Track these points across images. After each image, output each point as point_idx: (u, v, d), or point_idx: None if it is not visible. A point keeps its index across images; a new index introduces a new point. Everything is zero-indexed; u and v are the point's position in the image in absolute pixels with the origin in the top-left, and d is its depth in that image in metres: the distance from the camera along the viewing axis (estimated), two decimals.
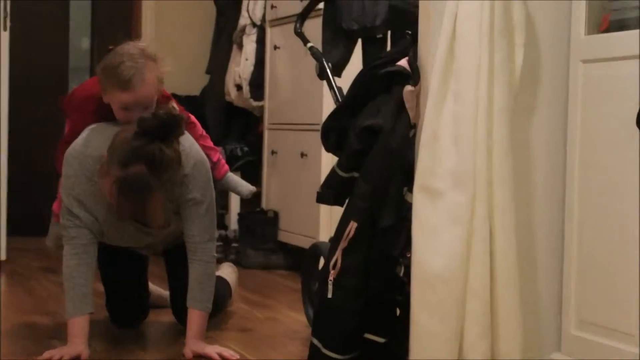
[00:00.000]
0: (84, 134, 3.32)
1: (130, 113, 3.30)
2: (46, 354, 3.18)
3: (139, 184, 3.06)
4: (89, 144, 3.27)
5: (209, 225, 3.34)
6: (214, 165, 4.00)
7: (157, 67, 3.39)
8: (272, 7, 5.85)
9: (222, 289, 3.71)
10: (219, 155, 4.12)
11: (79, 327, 3.21)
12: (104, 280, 3.87)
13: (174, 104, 3.61)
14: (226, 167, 4.21)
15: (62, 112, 3.76)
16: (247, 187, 4.23)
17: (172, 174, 3.12)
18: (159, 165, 3.06)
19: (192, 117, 3.84)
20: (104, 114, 3.40)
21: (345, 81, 3.69)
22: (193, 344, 3.30)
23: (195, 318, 3.32)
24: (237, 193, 4.34)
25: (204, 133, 4.04)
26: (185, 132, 3.32)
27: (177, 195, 3.23)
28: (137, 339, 3.62)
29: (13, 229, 5.98)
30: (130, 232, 3.47)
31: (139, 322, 3.88)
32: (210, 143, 4.05)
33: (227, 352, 3.30)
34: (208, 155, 3.92)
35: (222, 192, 4.80)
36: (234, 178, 4.33)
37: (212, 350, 3.29)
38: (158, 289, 4.17)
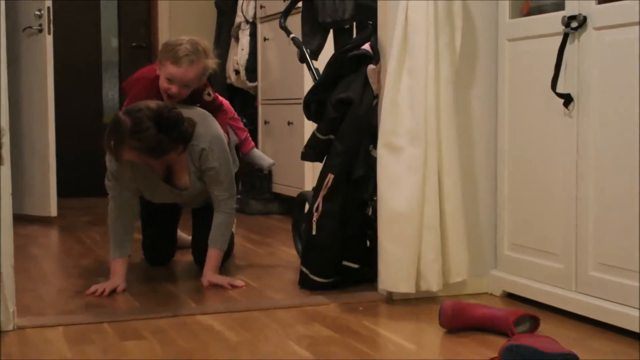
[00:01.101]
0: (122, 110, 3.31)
1: (172, 86, 3.28)
2: (92, 288, 3.19)
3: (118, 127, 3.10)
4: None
5: (228, 186, 3.32)
6: (242, 142, 4.06)
7: (206, 59, 3.37)
8: (262, 7, 5.81)
9: (231, 240, 3.69)
10: (246, 134, 4.11)
11: (118, 266, 3.21)
12: (143, 229, 3.85)
13: (209, 90, 3.61)
14: (252, 144, 4.21)
15: (123, 91, 3.75)
16: (267, 161, 4.21)
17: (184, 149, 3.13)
18: (171, 119, 3.08)
19: (226, 103, 3.82)
20: (151, 91, 3.38)
21: (320, 63, 3.71)
22: (210, 276, 3.31)
23: (213, 256, 3.32)
24: (259, 166, 4.30)
25: (235, 116, 4.05)
26: (203, 119, 3.33)
27: (199, 165, 3.22)
28: (165, 274, 3.63)
29: (62, 192, 5.94)
30: (163, 192, 3.45)
31: (168, 262, 3.86)
32: (240, 124, 4.07)
33: (236, 282, 3.31)
34: (237, 134, 3.95)
35: None
36: (258, 153, 4.31)
37: (223, 280, 3.30)
38: (183, 235, 4.15)
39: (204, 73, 3.47)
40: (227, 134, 3.68)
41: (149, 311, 3.02)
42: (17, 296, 3.02)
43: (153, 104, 3.09)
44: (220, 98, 3.78)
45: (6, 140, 2.72)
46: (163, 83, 3.39)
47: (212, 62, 3.44)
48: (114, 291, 3.21)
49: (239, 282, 3.30)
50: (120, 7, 6.97)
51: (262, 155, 4.24)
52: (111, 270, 3.24)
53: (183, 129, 3.12)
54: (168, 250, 3.86)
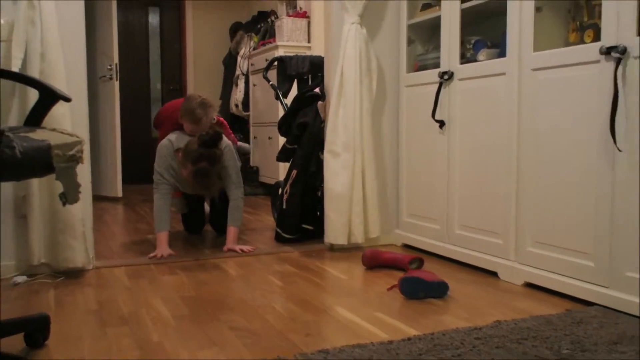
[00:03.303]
0: (168, 137, 3.23)
1: (195, 131, 3.21)
2: (152, 254, 3.07)
3: (204, 173, 3.02)
4: (171, 141, 3.19)
5: (236, 179, 3.24)
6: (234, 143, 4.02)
7: (212, 112, 3.31)
8: (252, 64, 5.78)
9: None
10: (233, 136, 4.05)
11: (162, 237, 3.10)
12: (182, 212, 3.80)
13: (214, 116, 3.54)
14: (237, 141, 4.15)
15: (154, 124, 3.69)
16: (247, 147, 4.15)
17: (218, 162, 3.07)
18: (214, 161, 3.02)
19: (223, 121, 3.78)
20: (177, 126, 3.32)
21: (288, 100, 3.69)
22: (230, 245, 3.17)
23: (232, 231, 3.19)
24: (244, 150, 4.24)
25: (229, 129, 3.99)
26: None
27: (218, 167, 3.17)
28: (199, 239, 3.59)
29: (125, 180, 5.88)
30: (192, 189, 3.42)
31: (200, 230, 3.79)
32: (230, 132, 4.00)
33: (245, 247, 3.21)
34: (229, 137, 3.91)
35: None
36: (242, 145, 4.28)
37: (237, 247, 3.21)
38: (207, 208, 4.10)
39: (210, 120, 3.39)
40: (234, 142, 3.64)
41: (180, 257, 3.00)
42: (95, 247, 3.00)
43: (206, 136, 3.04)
44: (220, 118, 3.72)
45: (86, 147, 2.70)
46: (188, 129, 3.27)
47: (214, 112, 3.35)
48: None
49: (247, 248, 3.24)
50: (162, 64, 6.91)
51: (242, 145, 4.19)
52: (157, 240, 3.14)
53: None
54: (199, 223, 3.78)
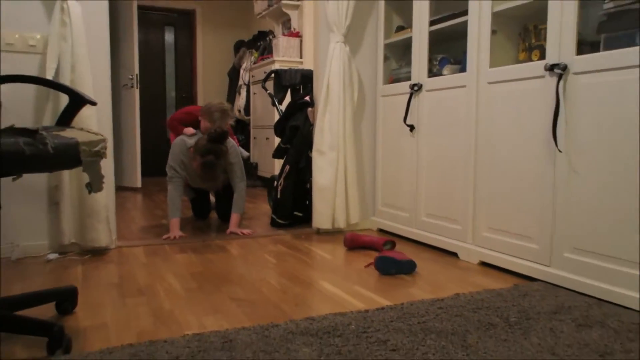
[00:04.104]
0: (181, 136, 3.21)
1: (208, 130, 3.19)
2: (165, 236, 3.06)
3: (211, 164, 3.00)
4: (184, 140, 3.16)
5: (240, 175, 3.21)
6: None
7: (228, 119, 3.28)
8: (252, 76, 5.75)
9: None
10: (237, 142, 4.02)
11: (174, 222, 3.08)
12: (192, 200, 3.76)
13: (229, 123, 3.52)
14: (238, 143, 4.13)
15: (167, 127, 3.65)
16: (245, 153, 4.17)
17: (224, 157, 3.05)
18: (220, 154, 2.99)
19: (229, 127, 3.75)
20: (187, 126, 3.29)
21: (283, 106, 3.67)
22: (232, 228, 3.15)
23: (235, 217, 3.18)
24: (243, 155, 4.26)
25: (232, 134, 3.97)
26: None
27: (225, 163, 3.15)
28: (206, 224, 3.58)
29: (144, 172, 5.84)
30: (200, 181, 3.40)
31: (206, 216, 3.77)
32: (235, 138, 3.98)
33: (245, 231, 3.20)
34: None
35: None
36: (241, 150, 4.26)
37: (238, 230, 3.20)
38: (213, 200, 4.06)
39: (225, 125, 3.31)
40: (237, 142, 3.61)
41: (189, 239, 2.99)
42: (117, 229, 2.98)
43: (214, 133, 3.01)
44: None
45: (109, 144, 2.68)
46: (204, 128, 3.27)
47: (230, 120, 3.30)
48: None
49: (247, 231, 3.23)
50: (176, 75, 6.86)
51: (241, 151, 4.22)
52: (170, 225, 3.12)
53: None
54: (205, 210, 3.77)
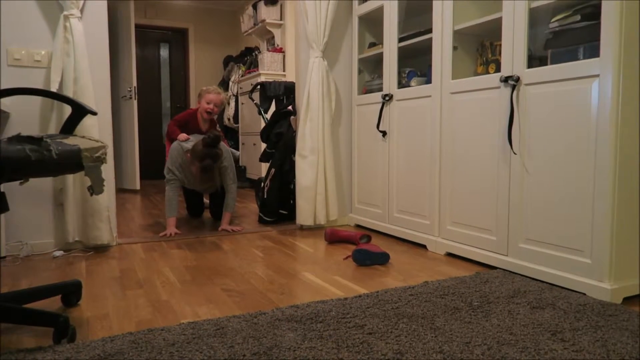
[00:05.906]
0: (178, 141, 3.17)
1: (209, 105, 3.13)
2: (162, 234, 3.02)
3: (209, 168, 2.95)
4: (180, 145, 3.11)
5: (233, 177, 3.17)
6: None
7: (224, 96, 3.26)
8: (240, 87, 5.72)
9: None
10: (228, 146, 3.97)
11: (171, 221, 3.03)
12: (187, 200, 3.70)
13: (217, 125, 3.47)
14: (229, 147, 4.10)
15: (165, 134, 3.59)
16: (237, 153, 4.14)
17: (219, 159, 3.01)
18: (216, 158, 2.95)
19: (221, 132, 3.70)
20: (190, 119, 3.25)
21: (268, 115, 3.64)
22: (224, 226, 3.09)
23: (226, 215, 3.15)
24: (234, 155, 4.22)
25: (224, 139, 3.92)
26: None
27: (219, 164, 3.10)
28: (199, 222, 3.54)
29: (142, 175, 5.75)
30: (195, 182, 3.34)
31: (200, 215, 3.72)
32: (226, 142, 3.92)
33: (235, 227, 3.14)
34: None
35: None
36: (233, 151, 4.22)
37: (229, 227, 3.15)
38: (206, 201, 4.00)
39: (223, 102, 3.26)
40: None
41: (184, 236, 2.96)
42: (118, 228, 2.93)
43: (208, 139, 2.93)
44: (218, 130, 3.66)
45: (109, 151, 2.63)
46: (204, 105, 3.18)
47: (225, 98, 3.32)
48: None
49: (237, 228, 3.19)
50: (171, 87, 6.78)
51: (233, 151, 4.18)
52: (167, 223, 3.07)
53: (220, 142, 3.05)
54: (199, 210, 3.72)
